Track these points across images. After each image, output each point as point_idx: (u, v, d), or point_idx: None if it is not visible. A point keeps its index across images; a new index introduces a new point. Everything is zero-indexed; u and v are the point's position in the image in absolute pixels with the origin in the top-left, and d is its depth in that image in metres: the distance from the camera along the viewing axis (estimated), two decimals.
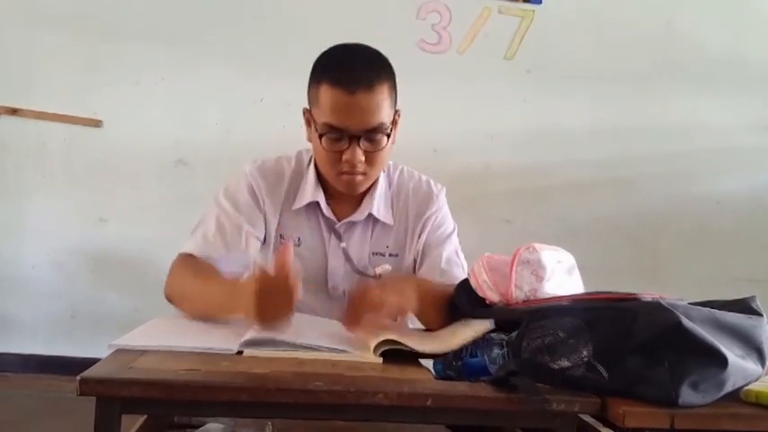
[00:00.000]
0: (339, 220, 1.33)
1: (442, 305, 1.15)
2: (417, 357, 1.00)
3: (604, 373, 0.85)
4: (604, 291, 0.98)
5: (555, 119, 3.02)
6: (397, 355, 0.97)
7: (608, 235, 3.03)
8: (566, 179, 3.05)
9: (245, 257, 1.29)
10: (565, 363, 0.87)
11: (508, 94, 3.00)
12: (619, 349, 0.85)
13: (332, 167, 1.23)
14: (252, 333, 0.99)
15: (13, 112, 2.81)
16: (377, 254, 1.35)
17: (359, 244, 1.34)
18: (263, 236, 1.32)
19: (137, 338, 0.99)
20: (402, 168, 1.40)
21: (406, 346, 0.97)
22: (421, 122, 2.70)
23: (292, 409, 0.83)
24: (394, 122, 1.24)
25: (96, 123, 2.85)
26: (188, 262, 1.25)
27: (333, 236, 1.33)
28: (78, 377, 0.78)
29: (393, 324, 1.12)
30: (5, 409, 2.36)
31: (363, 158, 1.20)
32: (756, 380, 0.90)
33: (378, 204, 1.33)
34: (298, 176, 1.34)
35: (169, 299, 1.23)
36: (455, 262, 1.35)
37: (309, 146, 1.33)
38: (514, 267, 1.05)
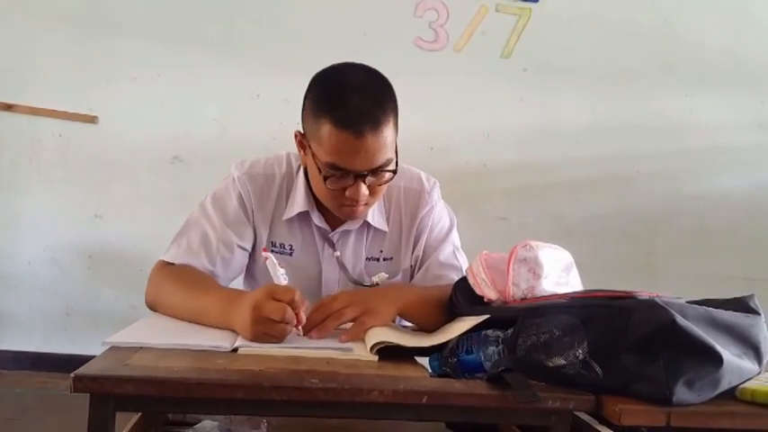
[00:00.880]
0: (333, 229, 1.30)
1: (434, 310, 1.14)
2: (413, 355, 1.00)
3: (599, 371, 0.85)
4: (600, 289, 0.98)
5: (552, 117, 3.02)
6: (392, 352, 0.97)
7: (605, 233, 3.04)
8: (563, 177, 3.05)
9: (232, 270, 1.27)
10: (560, 360, 0.87)
11: (505, 92, 3.00)
12: (614, 347, 0.85)
13: (333, 200, 1.20)
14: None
15: (8, 107, 2.80)
16: (371, 259, 1.32)
17: (354, 252, 1.31)
18: (250, 246, 1.29)
19: (131, 336, 0.98)
20: None
21: (404, 345, 0.97)
22: (417, 120, 2.69)
23: (287, 407, 0.83)
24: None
25: (92, 119, 2.84)
26: (171, 271, 1.20)
27: (326, 245, 1.30)
28: (72, 374, 0.77)
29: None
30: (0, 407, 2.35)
31: (368, 192, 1.17)
32: (753, 378, 0.90)
33: (372, 211, 1.29)
34: (288, 181, 1.30)
35: (152, 308, 1.20)
36: (451, 265, 1.32)
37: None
38: (511, 265, 1.05)
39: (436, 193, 1.36)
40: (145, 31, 2.84)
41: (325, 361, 0.93)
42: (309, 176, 1.25)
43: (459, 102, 2.97)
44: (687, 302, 0.91)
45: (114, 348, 0.92)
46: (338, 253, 1.30)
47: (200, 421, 1.12)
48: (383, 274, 1.29)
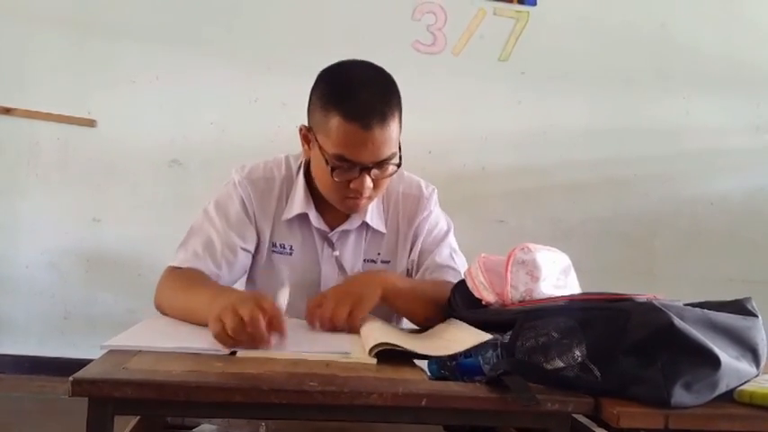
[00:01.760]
0: (332, 229, 1.32)
1: (418, 301, 1.19)
2: (411, 358, 1.00)
3: (597, 374, 0.85)
4: (598, 291, 0.98)
5: (549, 120, 3.03)
6: (391, 355, 0.97)
7: (602, 236, 3.04)
8: (560, 180, 3.06)
9: (235, 272, 1.29)
10: (558, 363, 0.87)
11: (503, 95, 3.01)
12: (612, 350, 0.85)
13: (337, 192, 1.22)
14: None
15: (7, 111, 2.80)
16: (369, 261, 1.34)
17: (352, 252, 1.33)
18: (253, 247, 1.31)
19: (128, 339, 0.98)
20: None
21: (403, 347, 0.97)
22: (416, 123, 2.66)
23: (286, 410, 0.82)
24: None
25: (90, 123, 2.84)
26: (176, 275, 1.23)
27: (326, 245, 1.32)
28: (71, 378, 0.77)
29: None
30: None
31: (372, 185, 1.19)
32: (751, 380, 0.90)
33: (371, 212, 1.32)
34: (288, 183, 1.32)
35: (158, 310, 1.22)
36: (448, 266, 1.34)
37: (297, 151, 1.32)
38: (509, 268, 1.05)
39: (434, 200, 1.39)
40: (143, 35, 2.84)
41: (324, 364, 0.93)
42: (313, 171, 1.27)
43: (458, 105, 2.98)
44: (685, 305, 0.92)
45: (113, 352, 0.92)
46: (337, 252, 1.32)
47: (198, 425, 1.12)
48: None
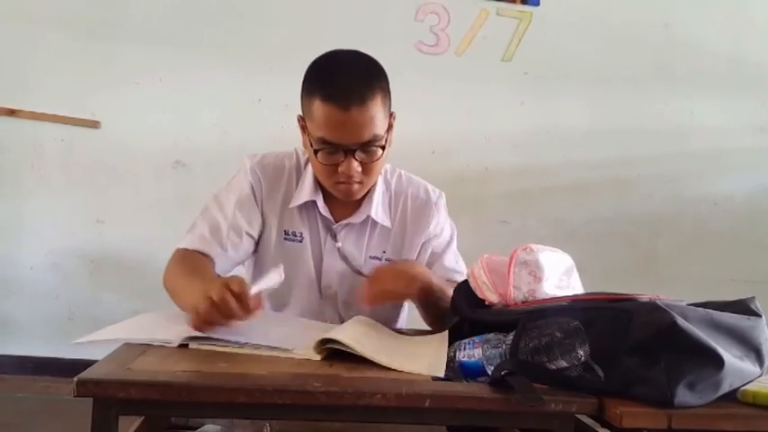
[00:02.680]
0: (337, 221, 1.33)
1: (439, 301, 1.22)
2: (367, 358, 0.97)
3: (601, 374, 0.85)
4: (601, 291, 0.98)
5: (553, 120, 3.03)
6: (350, 355, 0.95)
7: (606, 236, 3.04)
8: (563, 180, 3.06)
9: (239, 256, 1.32)
10: (562, 363, 0.87)
11: (506, 95, 3.00)
12: (615, 349, 0.85)
13: (328, 177, 1.24)
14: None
15: (11, 113, 2.81)
16: (373, 257, 1.35)
17: (355, 245, 1.34)
18: (257, 233, 1.33)
19: (100, 334, 1.00)
20: (400, 173, 1.40)
21: (348, 346, 0.94)
22: (419, 124, 2.70)
23: (290, 411, 0.83)
24: (390, 127, 1.24)
25: (94, 124, 2.85)
26: (180, 258, 1.27)
27: (329, 236, 1.33)
28: (75, 378, 0.78)
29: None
30: (2, 412, 2.36)
31: (360, 169, 1.21)
32: (754, 380, 0.90)
33: (376, 207, 1.33)
34: (297, 173, 1.35)
35: (167, 290, 1.26)
36: (455, 270, 1.37)
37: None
38: (512, 268, 1.05)
39: (441, 205, 1.40)
40: (147, 37, 2.85)
41: (327, 364, 0.93)
42: (310, 160, 1.30)
43: (461, 105, 2.98)
44: (688, 305, 0.92)
45: (117, 352, 0.92)
46: (339, 244, 1.33)
47: (202, 425, 1.12)
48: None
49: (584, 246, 2.91)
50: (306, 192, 1.31)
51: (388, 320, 1.29)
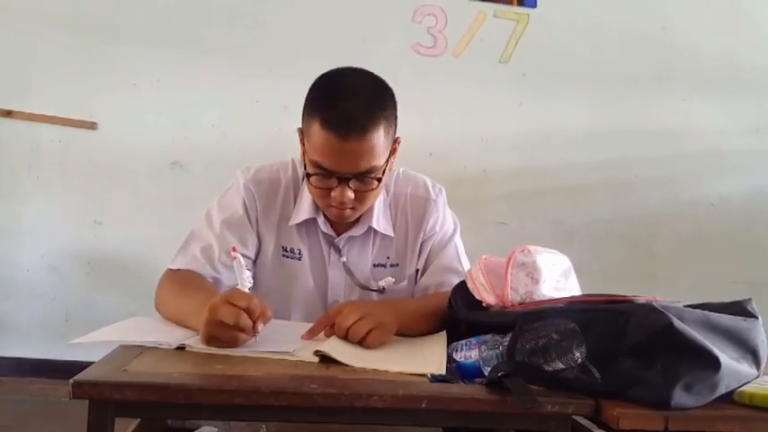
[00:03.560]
0: (338, 235, 1.30)
1: (425, 324, 1.17)
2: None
3: (597, 375, 0.85)
4: (599, 293, 0.98)
5: (550, 122, 3.03)
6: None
7: (603, 238, 3.04)
8: (561, 182, 3.06)
9: (233, 276, 1.26)
10: (558, 365, 0.87)
11: (503, 97, 3.01)
12: (612, 351, 0.85)
13: (320, 199, 1.21)
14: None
15: (8, 114, 2.81)
16: (378, 265, 1.33)
17: (360, 258, 1.32)
18: (254, 253, 1.29)
19: (96, 336, 0.99)
20: (398, 171, 1.37)
21: (340, 359, 0.94)
22: (417, 126, 2.70)
23: (287, 412, 0.83)
24: (393, 151, 1.21)
25: (91, 125, 2.85)
26: (172, 279, 1.22)
27: (333, 250, 1.31)
28: (71, 380, 0.77)
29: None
30: None
31: (353, 196, 1.17)
32: (751, 381, 0.90)
33: (377, 216, 1.30)
34: (295, 186, 1.31)
35: (158, 311, 1.22)
36: (454, 269, 1.33)
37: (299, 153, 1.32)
38: (510, 270, 1.05)
39: (442, 200, 1.37)
40: (144, 38, 2.85)
41: (323, 366, 0.93)
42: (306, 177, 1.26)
43: (458, 107, 2.98)
44: (685, 306, 0.92)
45: (113, 354, 0.92)
46: (344, 258, 1.30)
47: (199, 427, 1.12)
48: (390, 278, 1.31)
49: (583, 247, 2.92)
50: (305, 210, 1.28)
51: None
